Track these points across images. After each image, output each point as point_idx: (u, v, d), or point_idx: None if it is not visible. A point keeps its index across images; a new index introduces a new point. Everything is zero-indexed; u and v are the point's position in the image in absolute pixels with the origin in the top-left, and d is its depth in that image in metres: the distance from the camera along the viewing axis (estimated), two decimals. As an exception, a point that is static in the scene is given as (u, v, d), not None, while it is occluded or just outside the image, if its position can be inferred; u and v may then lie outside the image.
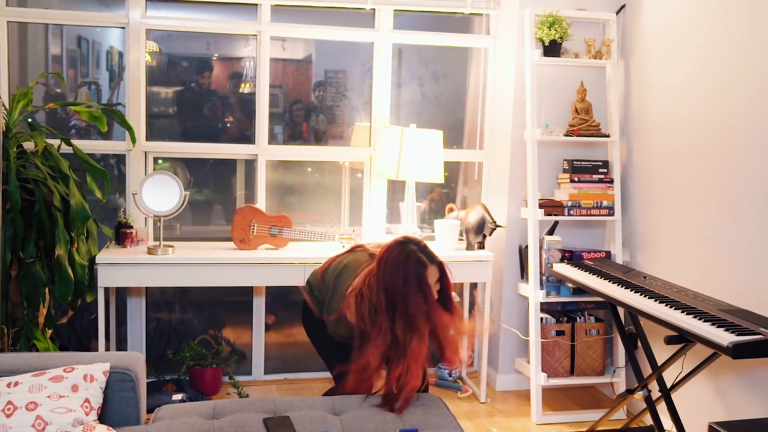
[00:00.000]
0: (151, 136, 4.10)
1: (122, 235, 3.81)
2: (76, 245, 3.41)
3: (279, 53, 4.33)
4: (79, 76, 4.43)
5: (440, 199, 4.70)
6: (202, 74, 4.30)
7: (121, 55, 4.15)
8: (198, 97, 4.30)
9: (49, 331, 3.44)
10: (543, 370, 3.87)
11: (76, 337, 4.13)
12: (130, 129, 3.59)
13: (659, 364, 3.34)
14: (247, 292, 4.30)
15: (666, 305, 2.92)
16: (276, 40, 4.12)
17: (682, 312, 2.83)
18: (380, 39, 4.19)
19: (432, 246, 4.11)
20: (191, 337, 4.26)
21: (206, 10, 4.17)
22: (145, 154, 4.02)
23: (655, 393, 3.32)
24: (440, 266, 2.86)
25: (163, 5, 4.08)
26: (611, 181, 4.03)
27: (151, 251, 3.67)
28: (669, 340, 2.81)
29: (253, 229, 3.82)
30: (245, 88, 4.34)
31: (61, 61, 4.66)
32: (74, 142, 3.63)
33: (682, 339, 2.82)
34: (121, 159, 4.09)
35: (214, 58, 4.36)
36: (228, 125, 4.37)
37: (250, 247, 3.83)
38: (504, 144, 4.22)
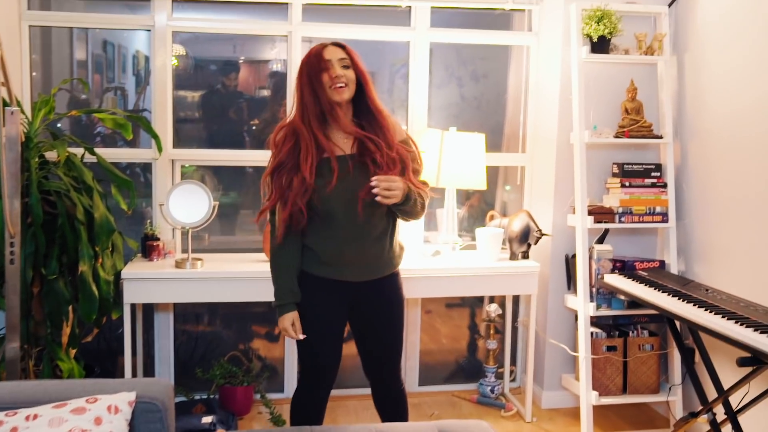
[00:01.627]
0: (178, 142, 3.93)
1: (148, 247, 3.64)
2: (100, 260, 3.24)
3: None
4: (104, 81, 4.30)
5: (479, 205, 4.48)
6: (227, 76, 4.13)
7: (147, 59, 4.00)
8: (225, 100, 4.14)
9: (73, 351, 3.27)
10: (594, 388, 3.63)
11: (104, 352, 3.97)
12: (156, 137, 3.41)
13: (722, 383, 3.09)
14: (279, 305, 4.11)
15: (736, 322, 2.68)
16: (305, 42, 3.92)
17: (756, 330, 2.58)
18: (417, 38, 3.98)
19: (474, 256, 3.92)
20: (221, 350, 4.08)
21: (234, 11, 3.99)
22: (172, 163, 3.85)
23: (720, 415, 3.07)
24: (344, 47, 2.63)
25: (190, 6, 3.91)
26: (664, 186, 3.78)
27: (178, 265, 3.50)
28: (742, 362, 2.56)
29: (286, 240, 3.63)
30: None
31: (86, 66, 4.53)
32: (99, 150, 3.47)
33: (756, 360, 2.57)
34: (148, 167, 3.92)
35: (241, 61, 4.19)
36: (254, 128, 4.20)
37: (282, 259, 3.63)
38: (548, 147, 3.98)
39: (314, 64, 2.57)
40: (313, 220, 2.61)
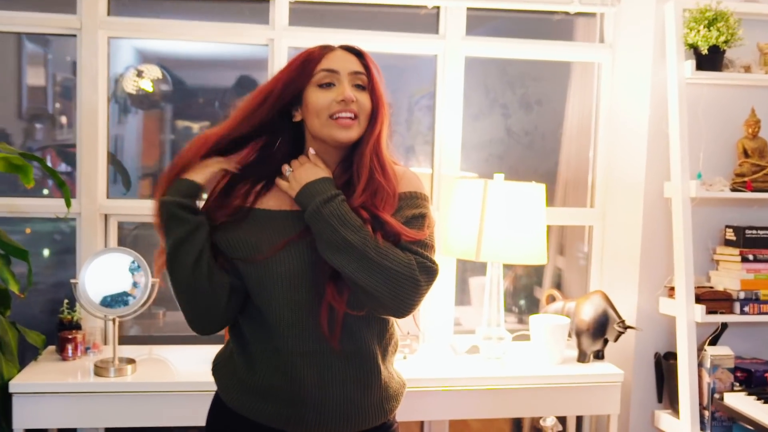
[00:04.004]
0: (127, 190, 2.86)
1: (62, 340, 2.54)
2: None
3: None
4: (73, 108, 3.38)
5: (527, 274, 3.36)
6: (242, 98, 3.16)
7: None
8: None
9: None
10: None
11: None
12: (62, 184, 2.30)
13: None
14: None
15: None
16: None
17: None
18: (448, 49, 2.88)
19: (526, 354, 2.80)
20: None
21: (201, 12, 2.94)
22: (105, 219, 2.76)
23: None
24: (362, 56, 1.60)
25: (138, 5, 2.86)
26: (803, 260, 2.64)
27: (99, 370, 2.39)
28: None
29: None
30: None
31: (45, 93, 3.64)
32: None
33: None
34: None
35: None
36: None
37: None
38: (630, 201, 2.85)
39: (303, 70, 1.54)
40: (246, 304, 1.58)
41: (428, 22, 2.93)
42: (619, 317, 2.64)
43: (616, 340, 2.66)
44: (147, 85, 3.32)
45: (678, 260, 2.57)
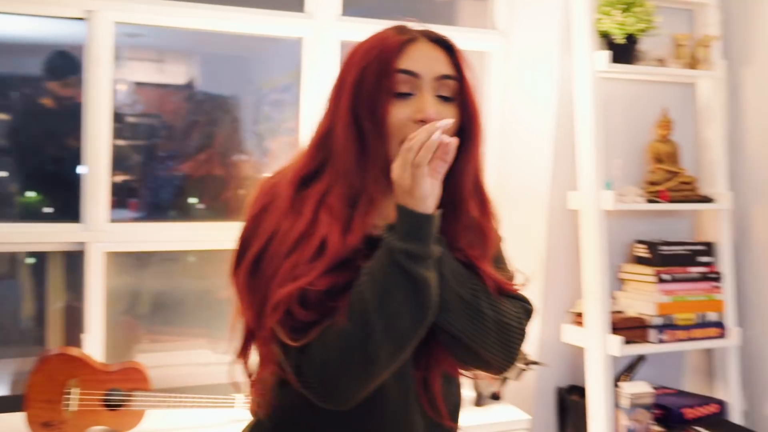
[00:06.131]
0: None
1: None
2: None
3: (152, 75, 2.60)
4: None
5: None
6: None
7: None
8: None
9: None
10: None
11: None
12: None
13: None
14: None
15: None
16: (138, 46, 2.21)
17: None
18: (318, 32, 2.35)
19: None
20: None
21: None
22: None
23: None
24: (451, 48, 1.13)
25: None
26: (717, 278, 2.36)
27: None
28: None
29: (69, 399, 1.91)
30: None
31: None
32: None
33: None
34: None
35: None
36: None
37: (65, 435, 1.91)
38: (529, 214, 2.45)
39: (380, 70, 1.08)
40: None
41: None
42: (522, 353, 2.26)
43: (517, 378, 2.27)
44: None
45: (589, 282, 2.22)
